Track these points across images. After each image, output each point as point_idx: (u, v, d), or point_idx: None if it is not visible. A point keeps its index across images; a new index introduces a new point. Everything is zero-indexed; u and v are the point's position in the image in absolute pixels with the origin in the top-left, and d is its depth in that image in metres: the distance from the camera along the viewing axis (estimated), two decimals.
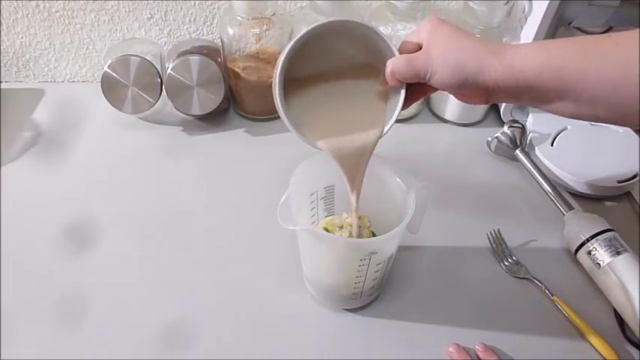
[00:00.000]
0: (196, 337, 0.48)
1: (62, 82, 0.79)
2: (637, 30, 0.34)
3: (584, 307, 0.51)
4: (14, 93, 0.76)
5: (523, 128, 0.66)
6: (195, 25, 0.74)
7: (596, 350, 0.48)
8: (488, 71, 0.37)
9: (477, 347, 0.48)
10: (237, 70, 0.68)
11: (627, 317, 0.49)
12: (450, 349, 0.47)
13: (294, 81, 0.43)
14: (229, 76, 0.69)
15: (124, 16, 0.73)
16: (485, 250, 0.57)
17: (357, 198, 0.45)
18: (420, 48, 0.41)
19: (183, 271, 0.54)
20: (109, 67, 0.64)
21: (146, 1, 0.71)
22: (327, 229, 0.50)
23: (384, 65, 0.41)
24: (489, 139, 0.67)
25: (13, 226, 0.57)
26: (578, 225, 0.55)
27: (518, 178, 0.66)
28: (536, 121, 0.68)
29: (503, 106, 0.71)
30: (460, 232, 0.59)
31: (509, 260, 0.56)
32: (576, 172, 0.62)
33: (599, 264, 0.52)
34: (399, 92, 0.43)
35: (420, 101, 0.74)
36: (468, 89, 0.39)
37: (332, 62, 0.44)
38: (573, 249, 0.55)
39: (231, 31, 0.66)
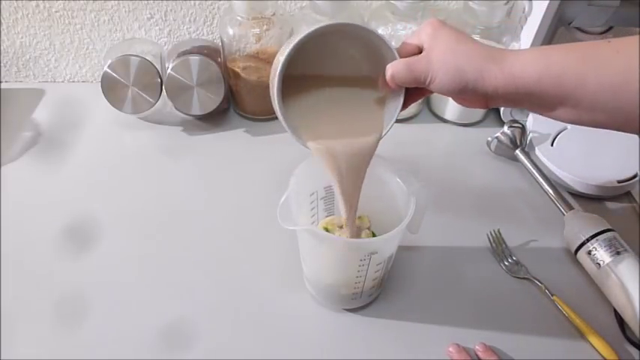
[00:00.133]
0: (196, 337, 0.48)
1: (62, 82, 0.79)
2: (636, 36, 0.34)
3: (584, 307, 0.51)
4: (14, 93, 0.76)
5: (523, 128, 0.66)
6: (195, 25, 0.74)
7: (596, 350, 0.48)
8: (489, 78, 0.37)
9: (477, 347, 0.48)
10: (237, 70, 0.68)
11: (627, 317, 0.49)
12: (450, 349, 0.47)
13: (291, 82, 0.43)
14: (229, 76, 0.69)
15: (124, 16, 0.73)
16: (485, 250, 0.57)
17: (351, 208, 0.44)
18: (419, 50, 0.41)
19: (183, 271, 0.54)
20: (109, 67, 0.64)
21: (146, 1, 0.71)
22: (327, 229, 0.50)
23: (383, 67, 0.41)
24: (489, 139, 0.67)
25: (13, 226, 0.57)
26: (578, 225, 0.55)
27: (518, 179, 0.66)
28: (536, 121, 0.68)
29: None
30: (460, 232, 0.59)
31: (509, 260, 0.56)
32: (576, 172, 0.62)
33: (599, 264, 0.52)
34: (398, 94, 0.43)
35: (419, 101, 0.74)
36: (467, 95, 0.39)
37: (330, 63, 0.44)
38: (573, 249, 0.55)
39: (231, 31, 0.66)
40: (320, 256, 0.48)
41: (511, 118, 0.69)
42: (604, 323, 0.50)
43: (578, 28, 0.66)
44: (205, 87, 0.66)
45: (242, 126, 0.72)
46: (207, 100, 0.67)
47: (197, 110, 0.67)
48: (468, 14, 0.66)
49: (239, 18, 0.65)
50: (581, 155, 0.65)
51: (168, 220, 0.59)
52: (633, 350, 0.49)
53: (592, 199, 0.63)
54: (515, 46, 0.67)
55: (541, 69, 0.36)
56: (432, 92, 0.43)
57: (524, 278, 0.54)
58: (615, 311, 0.51)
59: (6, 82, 0.78)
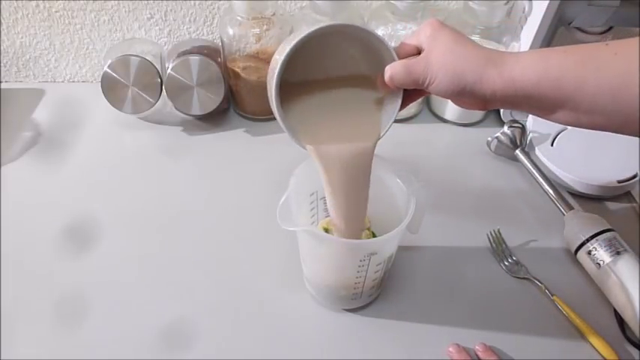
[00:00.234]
0: (196, 337, 0.48)
1: (62, 82, 0.79)
2: (635, 38, 0.34)
3: (584, 307, 0.51)
4: (14, 93, 0.76)
5: (523, 128, 0.66)
6: (195, 25, 0.74)
7: (596, 350, 0.48)
8: (487, 81, 0.37)
9: (476, 347, 0.48)
10: (237, 70, 0.68)
11: (627, 317, 0.49)
12: (450, 349, 0.47)
13: (289, 83, 0.42)
14: (229, 76, 0.69)
15: (124, 16, 0.73)
16: (485, 250, 0.57)
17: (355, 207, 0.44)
18: (418, 51, 0.41)
19: (183, 271, 0.54)
20: (109, 67, 0.64)
21: (146, 1, 0.71)
22: (326, 230, 0.50)
23: (382, 68, 0.41)
24: (489, 139, 0.67)
25: (13, 226, 0.57)
26: (578, 225, 0.55)
27: (518, 179, 0.66)
28: (536, 121, 0.68)
29: None
30: (460, 232, 0.59)
31: (509, 260, 0.56)
32: (576, 172, 0.62)
33: (599, 264, 0.52)
34: (396, 95, 0.43)
35: (419, 101, 0.74)
36: (465, 97, 0.39)
37: (327, 64, 0.44)
38: (573, 249, 0.55)
39: (231, 31, 0.66)
40: (320, 257, 0.48)
41: (511, 119, 0.69)
42: (604, 323, 0.50)
43: (578, 28, 0.66)
44: (205, 87, 0.66)
45: (242, 126, 0.72)
46: (207, 100, 0.67)
47: (197, 110, 0.67)
48: (468, 14, 0.66)
49: (239, 18, 0.65)
50: (581, 155, 0.65)
51: (168, 220, 0.59)
52: (633, 350, 0.49)
53: (592, 199, 0.63)
54: (515, 46, 0.67)
55: (540, 72, 0.36)
56: (429, 93, 0.43)
57: (524, 278, 0.54)
58: (615, 311, 0.51)
59: (6, 82, 0.78)
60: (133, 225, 0.58)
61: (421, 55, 0.40)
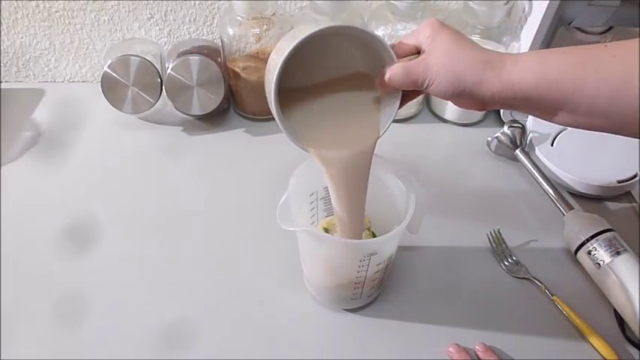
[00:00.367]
0: (196, 337, 0.48)
1: (62, 82, 0.79)
2: (633, 40, 0.34)
3: (584, 307, 0.51)
4: (14, 93, 0.76)
5: (523, 128, 0.66)
6: (195, 25, 0.74)
7: (596, 350, 0.48)
8: (486, 84, 0.37)
9: (476, 347, 0.48)
10: (237, 70, 0.68)
11: (627, 317, 0.49)
12: (450, 349, 0.47)
13: (287, 84, 0.42)
14: (229, 76, 0.69)
15: (124, 16, 0.73)
16: (485, 250, 0.57)
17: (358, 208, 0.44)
18: (417, 50, 0.41)
19: (183, 271, 0.54)
20: (109, 67, 0.64)
21: (146, 1, 0.71)
22: (326, 230, 0.50)
23: (381, 68, 0.41)
24: (489, 139, 0.67)
25: (13, 226, 0.57)
26: (578, 225, 0.55)
27: (518, 179, 0.66)
28: (536, 121, 0.68)
29: None
30: (460, 232, 0.59)
31: (509, 260, 0.56)
32: (576, 172, 0.62)
33: (599, 264, 0.52)
34: (395, 95, 0.43)
35: (419, 101, 0.74)
36: (464, 99, 0.40)
37: (325, 64, 0.44)
38: (573, 249, 0.55)
39: (231, 31, 0.66)
40: (320, 257, 0.48)
41: (511, 118, 0.69)
42: (604, 323, 0.50)
43: (578, 28, 0.66)
44: (205, 87, 0.66)
45: (242, 126, 0.72)
46: (207, 100, 0.67)
47: (197, 110, 0.67)
48: (468, 14, 0.66)
49: (239, 18, 0.65)
50: (581, 155, 0.65)
51: (168, 220, 0.59)
52: (633, 350, 0.49)
53: (592, 199, 0.63)
54: (515, 46, 0.67)
55: (538, 75, 0.36)
56: (429, 94, 0.43)
57: (524, 278, 0.54)
58: (615, 311, 0.51)
59: (6, 82, 0.78)
60: (132, 225, 0.58)
61: (420, 56, 0.40)
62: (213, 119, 0.72)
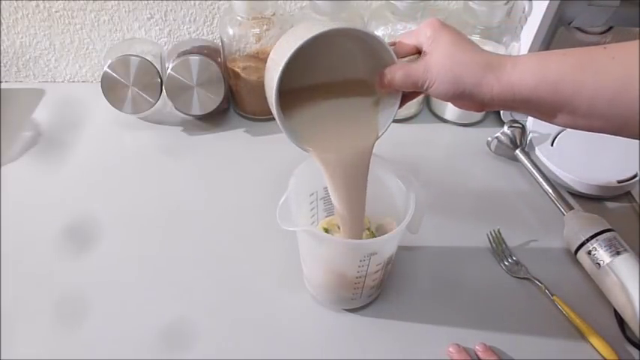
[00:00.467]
0: (196, 337, 0.48)
1: (62, 82, 0.79)
2: (633, 42, 0.34)
3: (584, 307, 0.51)
4: (14, 93, 0.76)
5: (523, 128, 0.66)
6: (195, 25, 0.74)
7: (596, 350, 0.48)
8: (486, 86, 0.37)
9: (476, 347, 0.48)
10: (237, 70, 0.68)
11: (627, 317, 0.49)
12: (450, 349, 0.47)
13: (287, 85, 0.42)
14: (229, 76, 0.69)
15: (124, 16, 0.73)
16: (485, 251, 0.57)
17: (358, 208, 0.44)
18: (417, 50, 0.41)
19: (183, 271, 0.54)
20: (109, 67, 0.64)
21: (146, 1, 0.71)
22: (326, 230, 0.50)
23: (381, 68, 0.41)
24: (489, 139, 0.67)
25: (13, 226, 0.57)
26: (578, 225, 0.55)
27: (518, 179, 0.66)
28: (536, 121, 0.68)
29: None
30: (460, 232, 0.59)
31: (509, 260, 0.56)
32: (576, 172, 0.62)
33: (599, 264, 0.52)
34: (395, 96, 0.43)
35: (419, 101, 0.74)
36: (464, 100, 0.40)
37: (325, 64, 0.43)
38: (573, 249, 0.55)
39: (231, 31, 0.66)
40: (320, 257, 0.48)
41: (511, 118, 0.69)
42: (604, 323, 0.50)
43: (578, 28, 0.66)
44: (205, 87, 0.66)
45: (242, 126, 0.72)
46: (207, 100, 0.67)
47: (197, 110, 0.67)
48: (468, 14, 0.66)
49: (239, 18, 0.65)
50: (581, 155, 0.65)
51: (168, 220, 0.59)
52: (633, 350, 0.49)
53: (592, 199, 0.63)
54: (515, 46, 0.67)
55: (538, 77, 0.36)
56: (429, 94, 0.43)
57: (524, 278, 0.54)
58: (615, 311, 0.51)
59: (6, 82, 0.78)
60: (132, 225, 0.58)
61: (420, 58, 0.40)
62: (213, 119, 0.72)
